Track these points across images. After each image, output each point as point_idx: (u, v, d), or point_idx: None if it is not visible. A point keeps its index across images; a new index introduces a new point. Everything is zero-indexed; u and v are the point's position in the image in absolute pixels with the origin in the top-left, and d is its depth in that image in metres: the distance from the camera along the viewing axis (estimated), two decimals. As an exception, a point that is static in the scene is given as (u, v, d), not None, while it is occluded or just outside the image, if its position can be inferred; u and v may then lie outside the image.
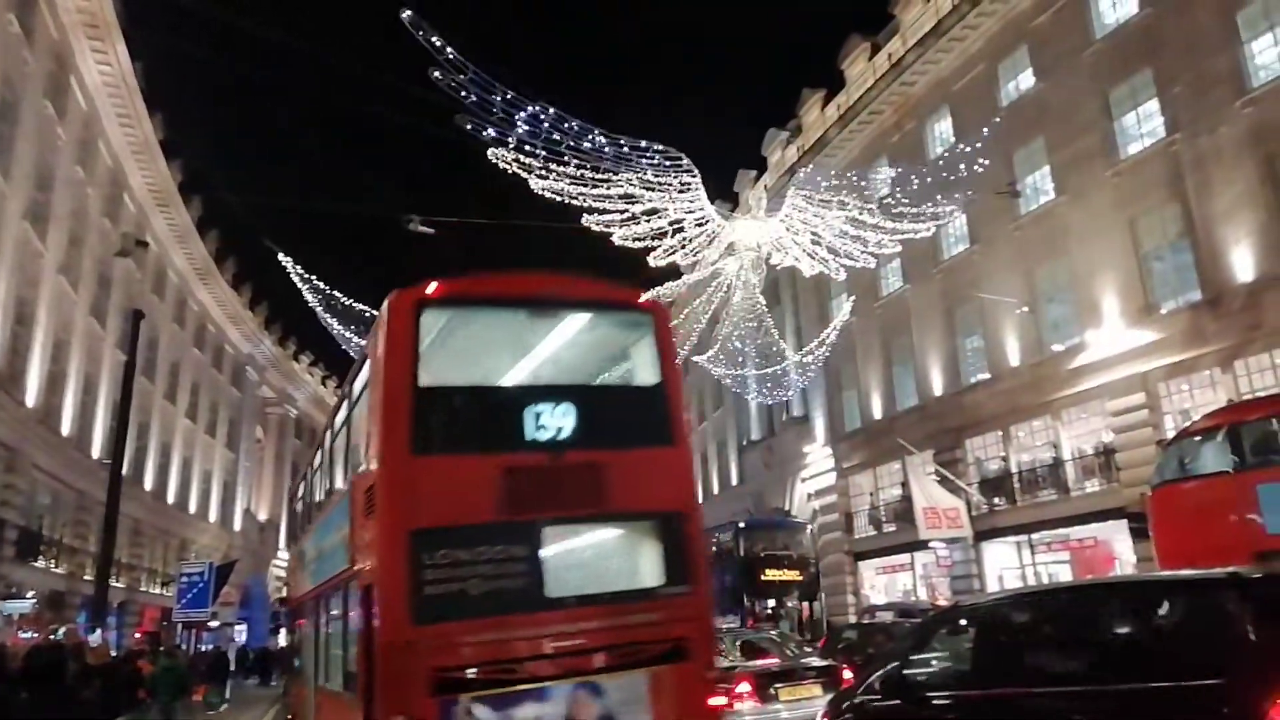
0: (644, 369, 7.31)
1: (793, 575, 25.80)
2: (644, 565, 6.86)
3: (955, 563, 23.02)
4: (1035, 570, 21.52)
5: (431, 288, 6.59)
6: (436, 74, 14.34)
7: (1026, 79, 23.09)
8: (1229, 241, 17.44)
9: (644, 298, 7.89)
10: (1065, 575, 19.95)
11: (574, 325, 7.29)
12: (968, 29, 24.40)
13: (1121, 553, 19.11)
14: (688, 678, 6.39)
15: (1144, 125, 19.84)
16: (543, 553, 6.26)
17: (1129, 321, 19.33)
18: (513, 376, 7.38)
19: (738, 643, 12.35)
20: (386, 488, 6.14)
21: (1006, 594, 8.18)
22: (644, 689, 6.25)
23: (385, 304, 6.59)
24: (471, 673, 5.80)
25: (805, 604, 26.06)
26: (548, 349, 7.33)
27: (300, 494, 12.37)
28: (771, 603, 24.78)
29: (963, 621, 7.07)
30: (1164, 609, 5.93)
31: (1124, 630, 5.83)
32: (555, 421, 6.43)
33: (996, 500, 22.85)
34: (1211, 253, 17.77)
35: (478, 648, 5.87)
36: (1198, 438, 12.75)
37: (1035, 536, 21.70)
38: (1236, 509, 11.52)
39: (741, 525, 27.35)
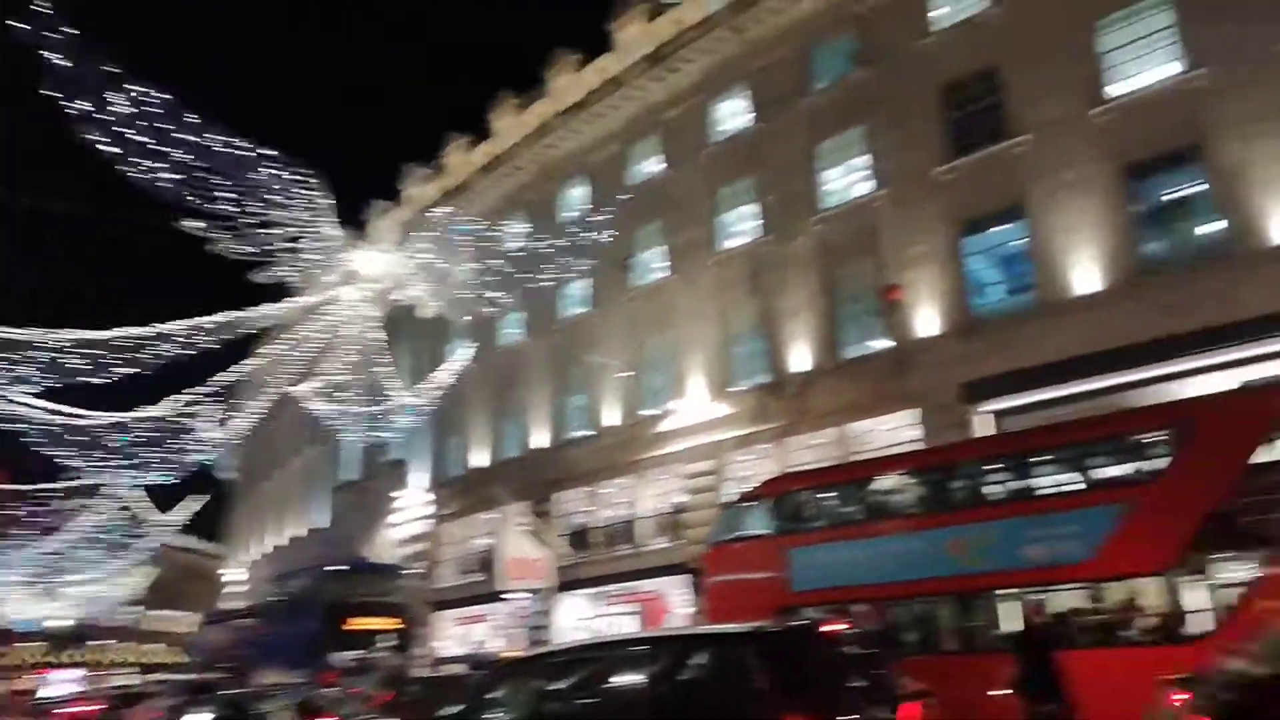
0: None
1: (387, 623, 24.24)
2: None
3: (532, 613, 23.36)
4: (606, 621, 22.56)
5: None
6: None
7: (655, 164, 25.11)
8: (792, 336, 20.22)
9: None
10: (632, 626, 21.14)
11: None
12: (610, 108, 26.04)
13: (682, 606, 20.74)
14: None
15: (742, 224, 22.47)
16: None
17: (711, 395, 21.46)
18: None
19: (296, 703, 10.99)
20: None
21: (559, 646, 8.28)
22: None
23: None
24: None
25: (402, 654, 24.57)
26: None
27: None
28: (359, 654, 22.89)
29: (523, 673, 6.97)
30: (697, 660, 6.25)
31: (662, 679, 6.00)
32: None
33: (580, 553, 23.75)
34: (779, 343, 20.44)
35: None
36: (748, 503, 14.28)
37: (609, 589, 22.82)
38: (772, 568, 12.98)
39: (327, 569, 25.28)
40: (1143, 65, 16.25)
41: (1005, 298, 17.73)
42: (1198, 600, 9.76)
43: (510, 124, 30.20)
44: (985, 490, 12.15)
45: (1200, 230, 15.36)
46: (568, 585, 23.38)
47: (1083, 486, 11.22)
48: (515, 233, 23.35)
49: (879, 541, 12.34)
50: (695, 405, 21.66)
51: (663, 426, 22.23)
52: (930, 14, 19.35)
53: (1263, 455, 9.95)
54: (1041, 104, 16.96)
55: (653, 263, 24.35)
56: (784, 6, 21.73)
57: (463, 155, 32.43)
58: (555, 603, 23.51)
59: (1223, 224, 14.83)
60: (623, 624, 21.68)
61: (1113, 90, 16.40)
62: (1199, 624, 9.59)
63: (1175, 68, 15.72)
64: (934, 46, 18.97)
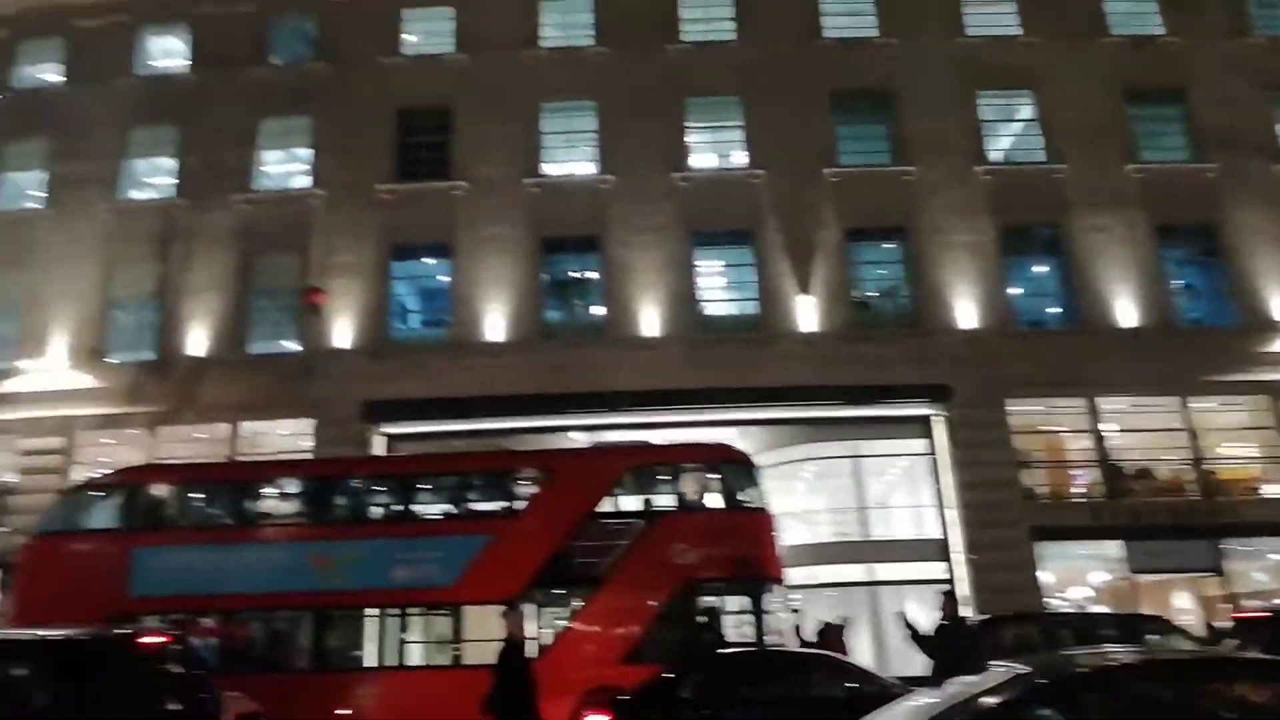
0: None
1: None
2: None
3: None
4: None
5: None
6: None
7: (52, 73, 20.67)
8: (192, 315, 18.17)
9: None
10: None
11: None
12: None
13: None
14: None
15: (155, 177, 19.71)
16: None
17: (75, 361, 18.19)
18: None
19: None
20: None
21: None
22: None
23: None
24: None
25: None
26: None
27: None
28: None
29: None
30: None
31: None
32: None
33: None
34: (174, 320, 18.15)
35: None
36: (93, 492, 12.45)
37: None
38: (110, 568, 11.45)
39: None
40: (570, 155, 18.94)
41: (420, 328, 18.65)
42: (531, 629, 10.62)
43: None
44: (360, 508, 12.42)
45: (590, 310, 18.22)
46: None
47: (452, 515, 12.17)
48: None
49: (238, 549, 11.73)
50: (53, 369, 18.11)
51: (3, 387, 18.12)
52: (403, 34, 19.87)
53: (607, 505, 11.74)
54: (484, 158, 18.53)
55: (24, 186, 19.95)
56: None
57: None
58: None
59: (604, 309, 17.86)
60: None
61: (545, 168, 18.70)
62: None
63: (591, 167, 18.65)
64: (400, 66, 19.47)
